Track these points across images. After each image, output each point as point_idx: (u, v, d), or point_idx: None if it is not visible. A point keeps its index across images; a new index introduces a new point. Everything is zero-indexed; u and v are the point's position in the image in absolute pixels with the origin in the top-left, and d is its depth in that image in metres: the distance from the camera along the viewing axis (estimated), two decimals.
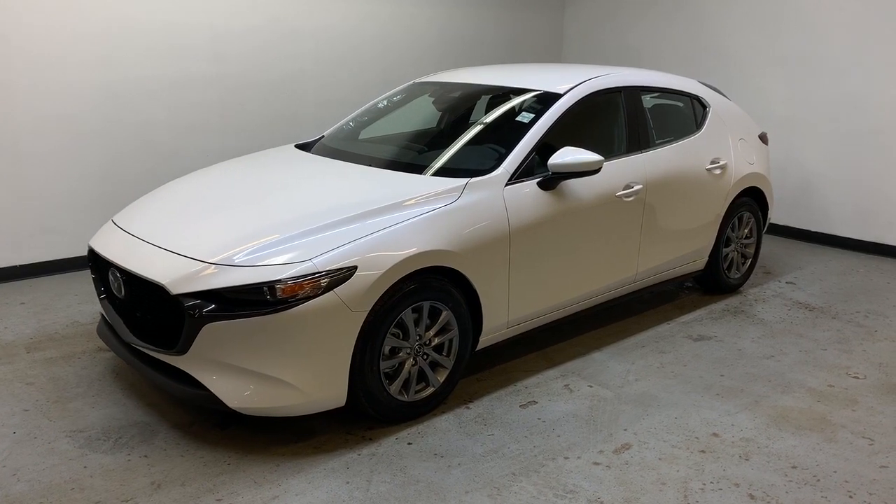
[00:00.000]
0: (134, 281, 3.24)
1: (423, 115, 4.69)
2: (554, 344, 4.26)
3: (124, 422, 3.35)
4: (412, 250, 3.18)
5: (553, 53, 8.34)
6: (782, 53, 6.55)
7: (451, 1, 7.14)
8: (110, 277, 3.39)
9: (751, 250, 5.29)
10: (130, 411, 3.44)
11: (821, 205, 6.56)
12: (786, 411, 3.57)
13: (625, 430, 3.37)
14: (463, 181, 3.54)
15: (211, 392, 3.03)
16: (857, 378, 3.95)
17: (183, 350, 3.03)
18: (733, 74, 6.90)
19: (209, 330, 2.96)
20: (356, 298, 3.03)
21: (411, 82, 4.94)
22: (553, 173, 3.72)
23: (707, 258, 4.93)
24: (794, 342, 4.40)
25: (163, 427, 3.31)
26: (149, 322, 3.27)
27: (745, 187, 5.01)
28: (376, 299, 3.09)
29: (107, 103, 5.32)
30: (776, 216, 6.79)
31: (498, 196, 3.57)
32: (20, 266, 5.17)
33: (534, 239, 3.69)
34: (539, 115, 3.94)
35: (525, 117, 3.98)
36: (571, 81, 4.19)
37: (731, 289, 5.23)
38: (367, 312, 3.08)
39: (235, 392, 3.02)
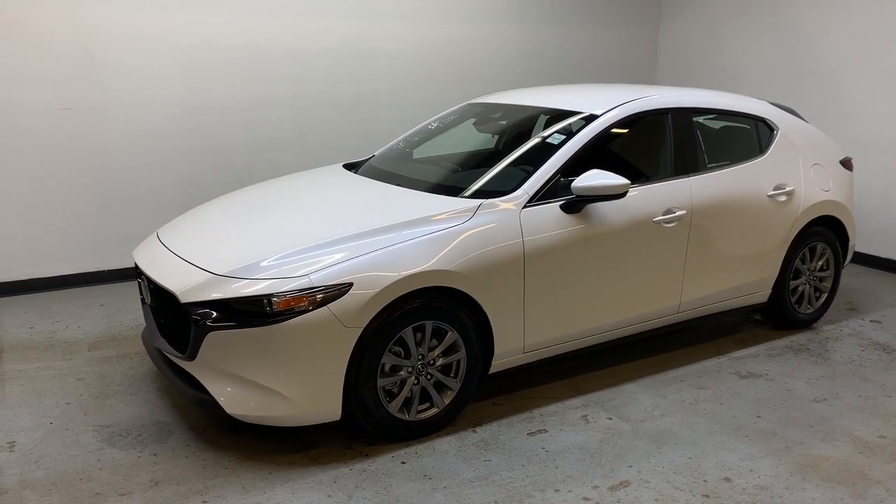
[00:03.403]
0: (157, 289, 3.46)
1: (467, 136, 4.70)
2: (586, 372, 4.12)
3: (148, 420, 3.57)
4: (411, 270, 3.20)
5: (646, 72, 8.11)
6: (886, 70, 6.04)
7: (534, 20, 7.12)
8: (141, 284, 3.64)
9: (827, 284, 4.89)
10: (157, 411, 3.66)
11: None
12: (818, 460, 3.27)
13: (629, 466, 3.21)
14: (476, 202, 3.53)
15: (213, 397, 3.18)
16: None
17: (192, 356, 3.20)
18: (832, 93, 6.43)
19: (213, 338, 3.11)
20: (350, 315, 3.08)
21: (465, 103, 4.98)
22: (577, 196, 3.63)
23: (770, 290, 4.61)
24: (856, 386, 4.03)
25: (180, 428, 3.50)
26: (169, 328, 3.48)
27: (817, 216, 4.65)
28: (371, 316, 3.13)
29: (188, 122, 5.71)
30: (878, 248, 6.24)
31: (513, 218, 3.52)
32: (107, 271, 5.63)
33: (554, 262, 3.60)
34: (570, 137, 3.86)
35: (556, 139, 3.91)
36: (615, 103, 4.07)
37: (802, 324, 4.85)
38: (361, 329, 3.12)
39: (234, 399, 3.15)
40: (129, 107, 5.49)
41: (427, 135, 4.80)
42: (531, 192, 3.62)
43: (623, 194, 3.63)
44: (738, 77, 7.28)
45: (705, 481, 3.10)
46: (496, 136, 4.62)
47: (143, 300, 3.83)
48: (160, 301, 3.49)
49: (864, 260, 6.33)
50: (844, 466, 3.23)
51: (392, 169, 4.32)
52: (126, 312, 5.02)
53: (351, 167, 4.58)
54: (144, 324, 4.73)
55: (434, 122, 4.90)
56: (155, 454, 3.27)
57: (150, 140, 5.61)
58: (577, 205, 3.67)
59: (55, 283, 5.47)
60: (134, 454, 3.27)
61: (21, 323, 4.78)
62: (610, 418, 3.64)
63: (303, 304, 3.05)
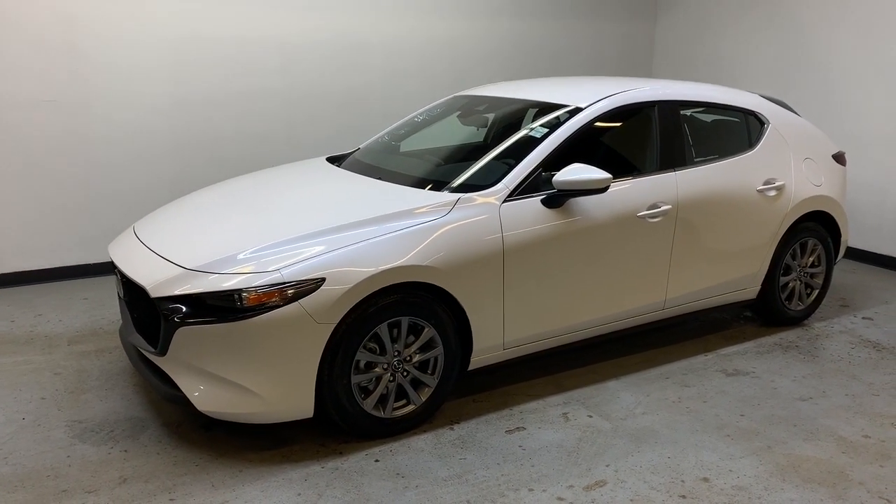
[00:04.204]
0: (130, 283, 3.41)
1: (453, 130, 4.63)
2: (569, 369, 4.07)
3: (122, 416, 3.52)
4: (386, 265, 3.14)
5: (643, 66, 8.02)
6: (884, 65, 5.95)
7: (529, 12, 7.04)
8: (115, 279, 3.59)
9: (818, 280, 4.82)
10: (132, 406, 3.62)
11: None
12: (799, 461, 3.21)
13: (607, 465, 3.15)
14: (455, 196, 3.47)
15: (184, 393, 3.13)
16: None
17: (162, 351, 3.15)
18: (829, 88, 6.34)
19: (182, 333, 3.06)
20: (322, 311, 3.02)
21: (451, 96, 4.91)
22: (558, 191, 3.57)
23: (759, 286, 4.54)
24: (843, 384, 3.96)
25: (153, 424, 3.45)
26: (142, 322, 3.43)
27: (807, 211, 4.57)
28: (344, 312, 3.08)
29: (176, 115, 5.66)
30: (873, 244, 6.16)
31: (493, 213, 3.46)
32: (91, 264, 5.59)
33: (534, 258, 3.54)
34: (553, 130, 3.79)
35: (539, 132, 3.84)
36: (600, 95, 4.00)
37: (793, 321, 4.78)
38: (334, 325, 3.06)
39: (204, 395, 3.10)
40: (115, 99, 5.44)
41: (413, 128, 4.73)
42: (511, 187, 3.55)
43: (605, 189, 3.57)
44: (735, 70, 7.20)
45: (683, 481, 3.04)
46: (481, 129, 4.56)
47: (119, 295, 3.79)
48: (133, 295, 3.44)
49: (859, 256, 6.25)
50: (826, 467, 3.17)
51: (375, 162, 4.26)
52: (109, 306, 4.98)
53: (334, 160, 4.51)
54: None
55: (420, 114, 4.83)
56: (126, 450, 3.23)
57: (136, 133, 5.56)
58: (558, 199, 3.60)
59: (39, 276, 5.43)
60: (104, 450, 3.22)
61: (2, 316, 4.74)
62: (590, 416, 3.58)
63: (274, 299, 3.00)
